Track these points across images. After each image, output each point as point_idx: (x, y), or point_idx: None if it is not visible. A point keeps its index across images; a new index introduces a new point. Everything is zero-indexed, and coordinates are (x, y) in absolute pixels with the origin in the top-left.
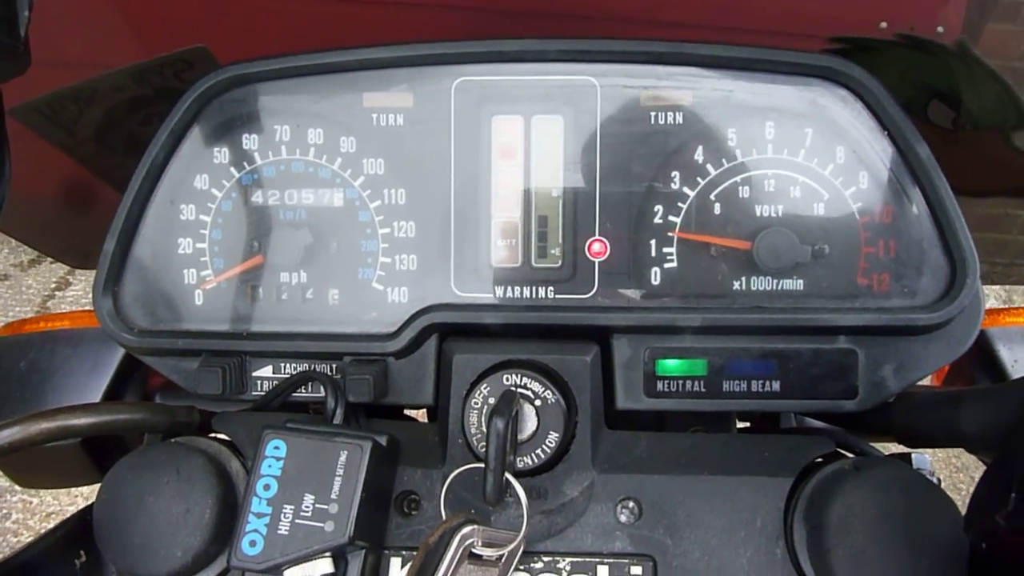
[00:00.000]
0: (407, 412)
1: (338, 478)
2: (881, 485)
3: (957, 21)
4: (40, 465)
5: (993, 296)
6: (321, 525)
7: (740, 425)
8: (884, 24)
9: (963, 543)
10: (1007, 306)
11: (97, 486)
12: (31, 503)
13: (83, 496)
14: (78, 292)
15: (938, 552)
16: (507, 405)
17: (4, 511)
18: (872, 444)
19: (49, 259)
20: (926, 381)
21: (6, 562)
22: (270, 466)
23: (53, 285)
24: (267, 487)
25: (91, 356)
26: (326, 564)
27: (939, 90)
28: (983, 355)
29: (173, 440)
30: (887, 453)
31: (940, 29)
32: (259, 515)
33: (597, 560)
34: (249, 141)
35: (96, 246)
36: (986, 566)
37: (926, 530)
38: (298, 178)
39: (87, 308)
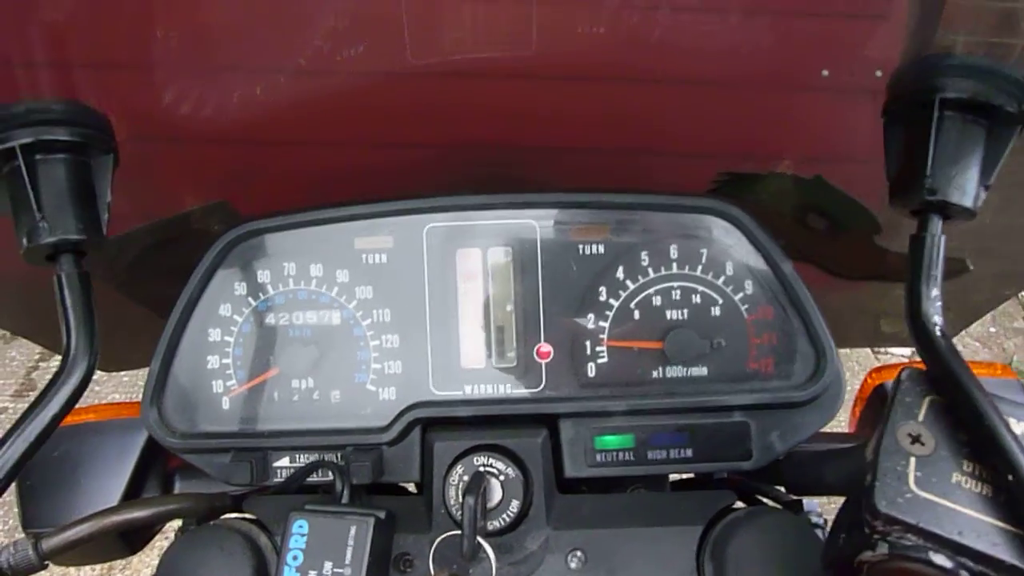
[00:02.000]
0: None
1: (350, 547)
2: (764, 529)
3: (893, 65)
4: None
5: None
6: None
7: (678, 477)
8: (826, 72)
9: (824, 572)
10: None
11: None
12: None
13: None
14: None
15: None
16: (476, 485)
17: None
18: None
19: None
20: (843, 428)
21: None
22: (296, 541)
23: (37, 356)
24: (295, 557)
25: (116, 445)
26: None
27: (811, 206)
28: (883, 405)
29: (212, 523)
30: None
31: (879, 73)
32: None
33: None
34: (263, 276)
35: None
36: None
37: (796, 562)
38: (303, 303)
39: (108, 402)
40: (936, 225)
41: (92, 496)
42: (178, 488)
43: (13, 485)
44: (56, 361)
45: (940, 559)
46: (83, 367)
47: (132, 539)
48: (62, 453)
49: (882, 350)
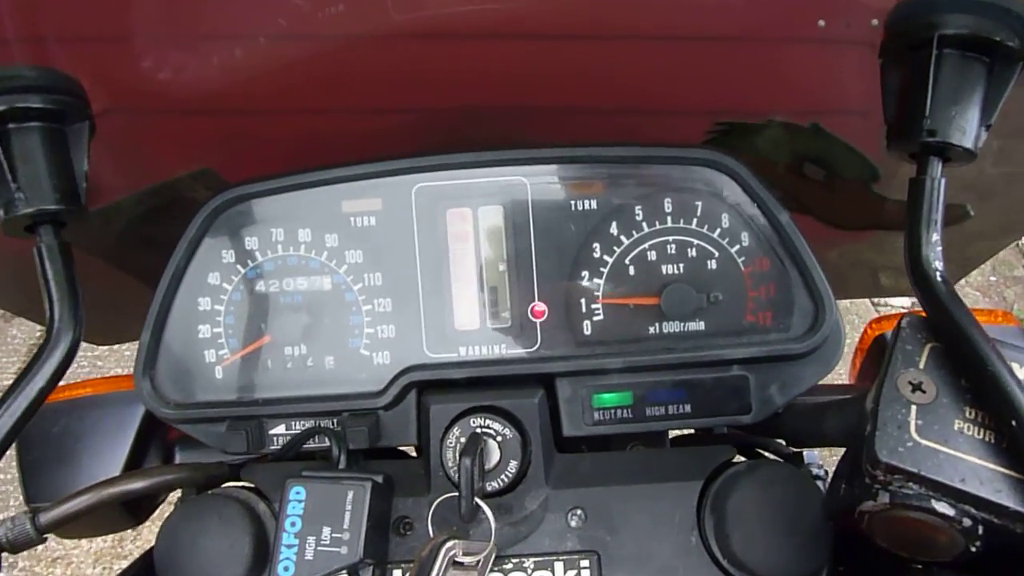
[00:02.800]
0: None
1: (347, 512)
2: (764, 481)
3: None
4: (88, 519)
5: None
6: (338, 550)
7: (678, 433)
8: (822, 23)
9: (826, 523)
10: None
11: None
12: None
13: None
14: None
15: (807, 531)
16: (472, 446)
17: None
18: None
19: None
20: (844, 379)
21: None
22: (294, 508)
23: (38, 334)
24: (293, 524)
25: (115, 418)
26: None
27: (808, 155)
28: (883, 356)
29: (211, 492)
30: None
31: (875, 22)
32: (289, 546)
33: (554, 558)
34: (251, 242)
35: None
36: (841, 541)
37: (798, 514)
38: (293, 269)
39: (106, 376)
40: (936, 168)
41: (93, 470)
42: (178, 459)
43: (15, 463)
44: None
45: (943, 507)
46: (68, 339)
47: (135, 510)
48: (61, 428)
49: (881, 303)
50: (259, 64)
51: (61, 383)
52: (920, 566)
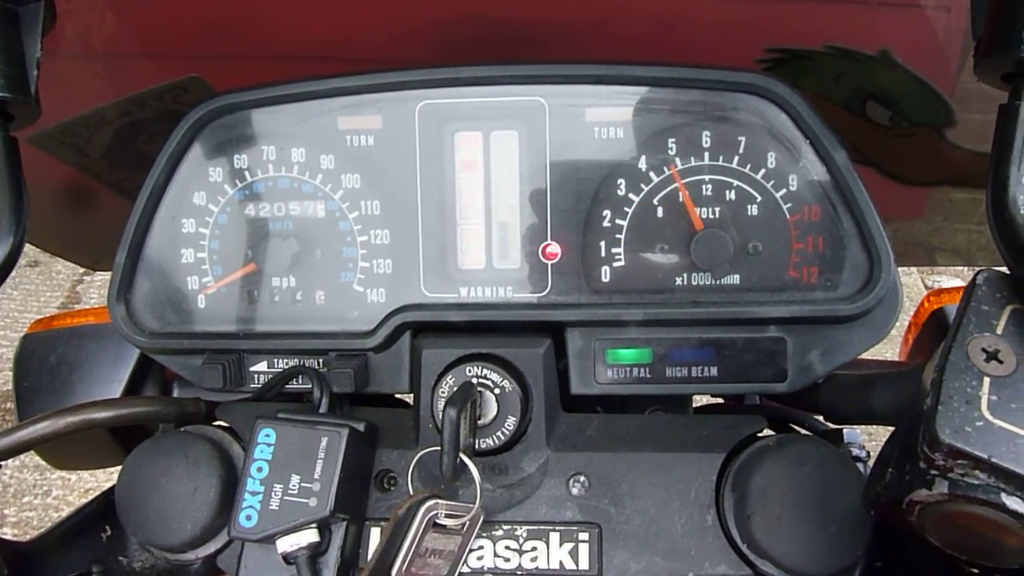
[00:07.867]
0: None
1: (320, 460)
2: (796, 459)
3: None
4: (73, 450)
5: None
6: (306, 501)
7: (705, 402)
8: None
9: (865, 512)
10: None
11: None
12: (70, 480)
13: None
14: (105, 277)
15: (843, 519)
16: (461, 396)
17: (45, 488)
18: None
19: None
20: (893, 356)
21: (41, 538)
22: (262, 451)
23: (82, 270)
24: (260, 469)
25: (113, 349)
26: (312, 534)
27: (872, 92)
28: (942, 331)
29: (182, 429)
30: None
31: None
32: (253, 493)
33: (550, 528)
34: (240, 161)
35: (105, 251)
36: (880, 533)
37: (833, 499)
38: (285, 193)
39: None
40: None
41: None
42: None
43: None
44: (99, 276)
45: (1014, 503)
46: (7, 244)
47: (129, 444)
48: (58, 357)
49: (931, 275)
50: None
51: (64, 310)
52: (976, 570)
